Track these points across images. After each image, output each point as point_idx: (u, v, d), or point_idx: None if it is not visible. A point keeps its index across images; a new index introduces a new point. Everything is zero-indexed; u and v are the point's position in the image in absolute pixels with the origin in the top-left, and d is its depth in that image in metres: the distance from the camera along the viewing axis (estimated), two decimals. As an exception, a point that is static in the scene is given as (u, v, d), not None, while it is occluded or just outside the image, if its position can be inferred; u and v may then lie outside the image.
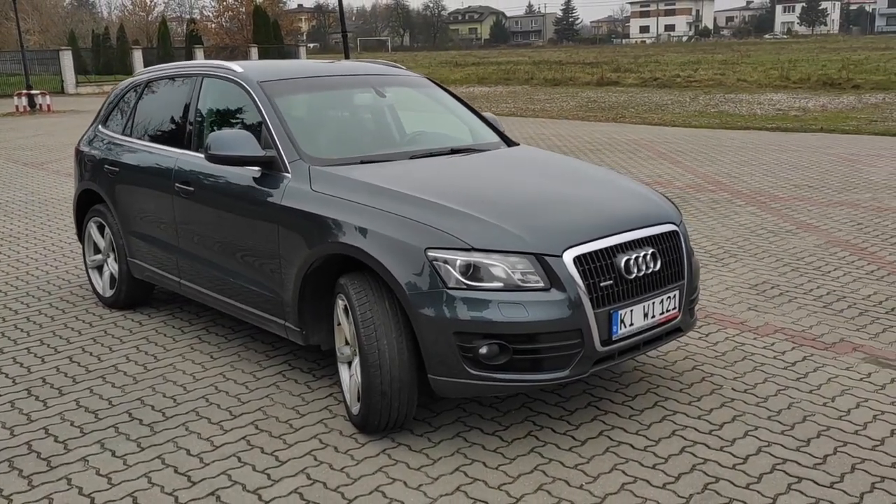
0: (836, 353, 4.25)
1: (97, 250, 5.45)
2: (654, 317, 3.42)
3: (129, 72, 40.94)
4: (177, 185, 4.43)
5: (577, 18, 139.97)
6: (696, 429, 3.44)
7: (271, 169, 3.89)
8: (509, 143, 4.70)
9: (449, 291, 3.13)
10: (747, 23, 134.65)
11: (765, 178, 9.62)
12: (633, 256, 3.33)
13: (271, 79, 4.28)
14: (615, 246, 3.33)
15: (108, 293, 5.30)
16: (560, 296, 3.14)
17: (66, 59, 35.76)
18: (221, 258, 4.22)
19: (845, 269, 5.79)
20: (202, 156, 4.27)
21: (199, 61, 5.04)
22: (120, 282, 5.15)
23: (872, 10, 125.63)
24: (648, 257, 3.40)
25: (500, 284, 3.14)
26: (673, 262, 3.55)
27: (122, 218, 5.03)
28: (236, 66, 4.43)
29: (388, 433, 3.42)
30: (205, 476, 3.14)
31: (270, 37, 44.93)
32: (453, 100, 5.01)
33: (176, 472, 3.17)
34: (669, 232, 3.59)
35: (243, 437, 3.44)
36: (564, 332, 3.13)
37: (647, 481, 3.03)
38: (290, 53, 45.12)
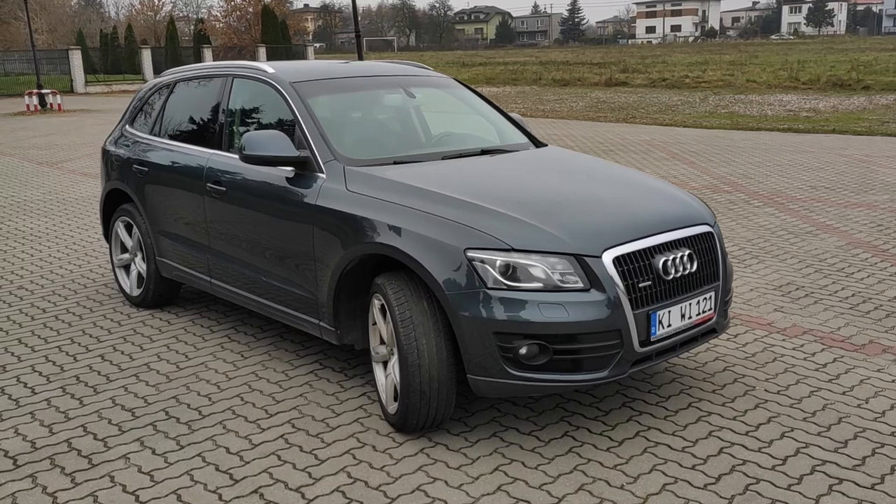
0: (867, 354, 4.25)
1: (124, 249, 5.47)
2: (690, 318, 3.43)
3: (137, 71, 41.16)
4: (208, 185, 4.45)
5: (583, 19, 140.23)
6: (732, 430, 3.45)
7: (305, 169, 3.91)
8: (537, 143, 4.71)
9: (488, 291, 3.14)
10: (753, 23, 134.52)
11: (781, 180, 9.62)
12: (671, 257, 3.34)
13: (303, 79, 4.30)
14: (653, 247, 3.34)
15: (136, 292, 5.32)
16: (600, 296, 3.15)
17: (76, 58, 35.79)
18: (254, 258, 4.24)
19: (868, 270, 5.79)
20: (234, 156, 4.30)
21: (228, 62, 5.05)
22: (148, 281, 5.18)
23: (879, 10, 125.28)
24: (685, 258, 3.41)
25: (539, 285, 3.15)
26: (708, 262, 3.57)
27: (150, 217, 5.05)
28: (267, 67, 4.45)
29: (425, 432, 3.44)
30: (246, 474, 3.16)
31: (279, 37, 44.98)
32: (480, 101, 5.03)
33: (217, 469, 3.19)
34: (705, 233, 3.60)
35: (281, 436, 3.46)
36: (604, 332, 3.14)
37: (688, 482, 3.04)
38: (298, 53, 45.19)
